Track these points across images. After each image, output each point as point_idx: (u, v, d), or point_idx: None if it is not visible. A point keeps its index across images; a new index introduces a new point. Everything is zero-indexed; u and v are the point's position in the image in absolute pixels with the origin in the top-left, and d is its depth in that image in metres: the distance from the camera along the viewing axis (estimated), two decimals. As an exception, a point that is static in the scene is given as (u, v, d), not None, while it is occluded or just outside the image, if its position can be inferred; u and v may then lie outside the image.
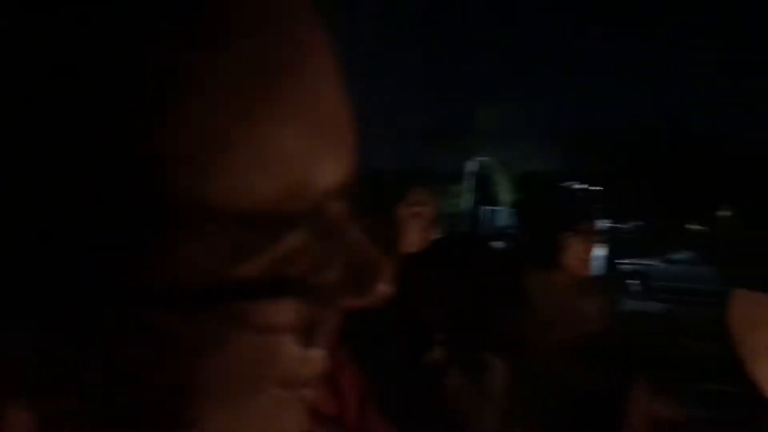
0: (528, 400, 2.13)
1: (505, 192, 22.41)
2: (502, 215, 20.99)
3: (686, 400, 3.90)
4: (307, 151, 0.29)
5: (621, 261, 15.54)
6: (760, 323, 2.01)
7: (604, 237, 14.80)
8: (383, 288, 0.33)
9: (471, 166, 24.32)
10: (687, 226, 14.49)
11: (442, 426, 1.86)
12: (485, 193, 23.81)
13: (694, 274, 13.19)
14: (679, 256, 15.42)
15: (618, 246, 15.34)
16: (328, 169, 0.31)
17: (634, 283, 15.68)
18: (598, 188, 16.64)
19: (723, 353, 2.12)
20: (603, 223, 15.28)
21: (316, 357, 0.34)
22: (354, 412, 0.51)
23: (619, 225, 16.12)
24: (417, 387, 1.89)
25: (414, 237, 2.13)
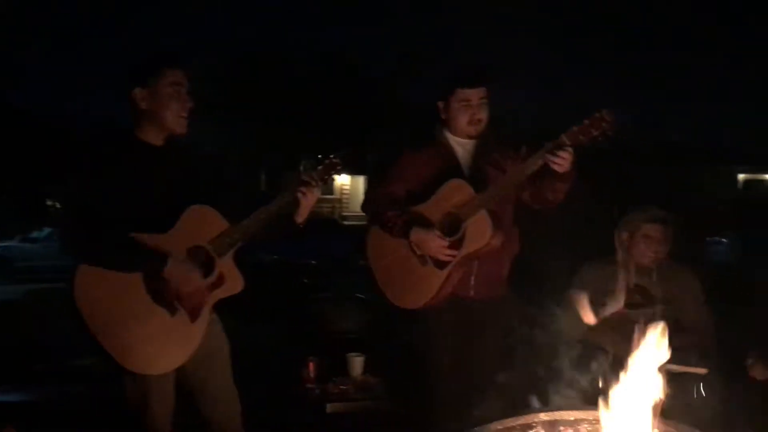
0: None
1: None
2: None
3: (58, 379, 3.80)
4: None
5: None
6: (103, 299, 2.03)
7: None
8: None
9: None
10: (48, 202, 14.04)
11: None
12: None
13: (54, 251, 12.99)
14: (39, 234, 14.99)
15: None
16: None
17: (-8, 267, 14.60)
18: None
19: (81, 328, 2.08)
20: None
21: None
22: None
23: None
24: None
25: None
